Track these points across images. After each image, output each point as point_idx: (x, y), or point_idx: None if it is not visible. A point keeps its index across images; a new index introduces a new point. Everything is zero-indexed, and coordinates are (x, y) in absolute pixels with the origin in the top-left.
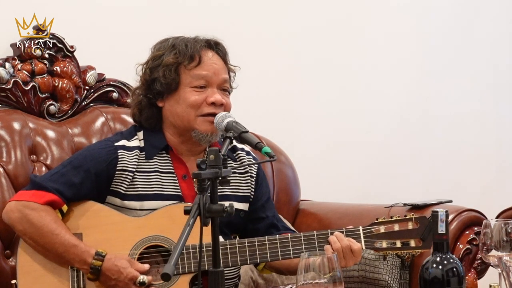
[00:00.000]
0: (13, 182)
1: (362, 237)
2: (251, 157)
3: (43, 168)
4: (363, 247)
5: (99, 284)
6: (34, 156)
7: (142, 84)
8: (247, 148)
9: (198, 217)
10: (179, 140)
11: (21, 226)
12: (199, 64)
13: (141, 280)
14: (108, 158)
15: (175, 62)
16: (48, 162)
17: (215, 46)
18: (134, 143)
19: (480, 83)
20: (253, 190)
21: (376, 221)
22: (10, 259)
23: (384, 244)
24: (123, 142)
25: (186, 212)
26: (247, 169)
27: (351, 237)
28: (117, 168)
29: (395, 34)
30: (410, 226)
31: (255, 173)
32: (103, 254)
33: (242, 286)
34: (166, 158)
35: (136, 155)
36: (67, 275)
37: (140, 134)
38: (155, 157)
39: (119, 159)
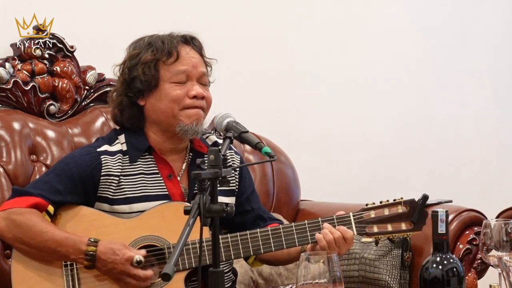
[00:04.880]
0: (13, 182)
1: (353, 223)
2: (232, 151)
3: (43, 168)
4: (355, 233)
5: (95, 277)
6: (34, 156)
7: (121, 84)
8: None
9: (198, 217)
10: (162, 138)
11: (10, 233)
12: (177, 59)
13: (138, 259)
14: (91, 164)
15: (154, 59)
16: (48, 162)
17: (191, 41)
18: (116, 147)
19: (481, 83)
20: (237, 183)
21: (366, 207)
22: (10, 259)
23: (375, 229)
24: (105, 147)
25: (186, 212)
26: (231, 163)
27: (342, 223)
28: (102, 173)
29: (395, 34)
30: (400, 209)
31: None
32: (96, 240)
33: (242, 286)
34: (150, 159)
35: (120, 159)
36: (62, 281)
37: (122, 138)
38: (139, 160)
39: (103, 165)
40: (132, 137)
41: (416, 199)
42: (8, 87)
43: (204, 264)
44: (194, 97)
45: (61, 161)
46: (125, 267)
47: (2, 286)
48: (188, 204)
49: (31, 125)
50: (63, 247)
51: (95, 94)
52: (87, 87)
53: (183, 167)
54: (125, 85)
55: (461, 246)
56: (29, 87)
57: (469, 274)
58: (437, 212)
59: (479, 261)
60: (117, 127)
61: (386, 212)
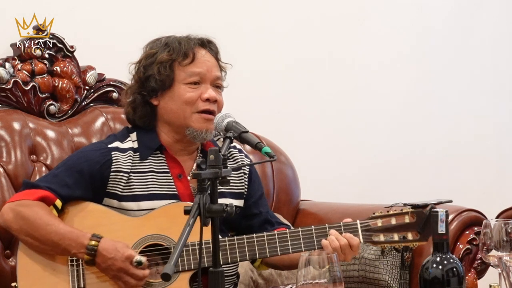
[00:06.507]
0: (13, 182)
1: (360, 231)
2: (243, 154)
3: (43, 168)
4: (361, 241)
5: (98, 276)
6: (34, 156)
7: (136, 82)
8: (239, 145)
9: (198, 217)
10: (173, 139)
11: (16, 224)
12: (193, 61)
13: (137, 259)
14: (102, 159)
15: (170, 59)
16: (48, 162)
17: (207, 44)
18: (127, 144)
19: (480, 83)
20: (246, 186)
21: (373, 215)
22: (10, 259)
23: (381, 238)
24: (116, 144)
25: (186, 212)
26: (240, 166)
27: (349, 231)
28: (112, 169)
29: (394, 34)
30: (407, 219)
31: (247, 170)
32: (100, 236)
33: (242, 286)
34: (161, 158)
35: (130, 156)
36: (67, 275)
37: (133, 135)
38: (150, 158)
39: (113, 161)
40: (143, 136)
41: (420, 203)
42: (8, 87)
43: (209, 265)
44: (207, 100)
45: (72, 155)
46: (125, 264)
47: (2, 286)
48: (189, 204)
49: (31, 125)
50: (65, 240)
51: (95, 94)
52: (87, 87)
53: (194, 167)
54: (140, 84)
55: (461, 246)
56: (29, 87)
57: (469, 274)
58: (437, 212)
59: (479, 261)
60: (129, 126)
61: (393, 221)
